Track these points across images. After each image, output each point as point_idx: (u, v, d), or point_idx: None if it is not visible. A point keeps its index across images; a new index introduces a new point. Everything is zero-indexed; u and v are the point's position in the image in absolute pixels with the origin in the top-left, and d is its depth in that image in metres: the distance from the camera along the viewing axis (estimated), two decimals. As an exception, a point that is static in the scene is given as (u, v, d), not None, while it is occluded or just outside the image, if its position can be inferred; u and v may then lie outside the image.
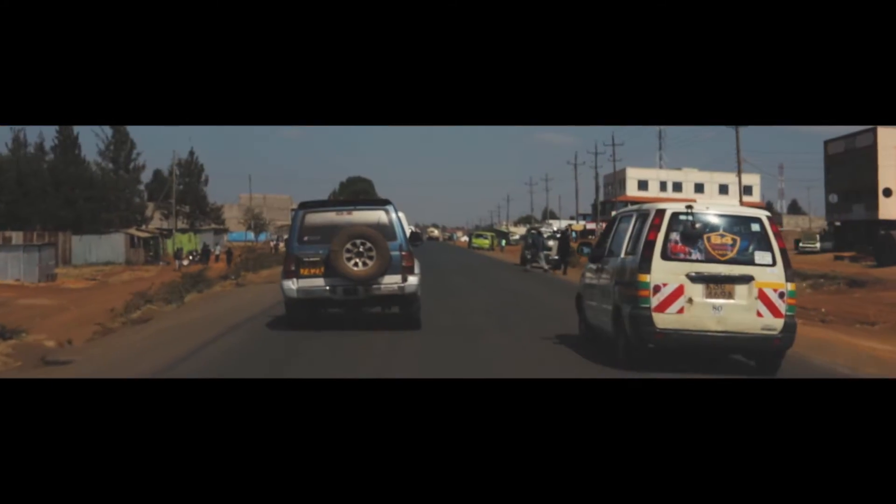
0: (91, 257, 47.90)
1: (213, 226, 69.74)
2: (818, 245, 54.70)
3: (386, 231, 11.10)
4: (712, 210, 8.67)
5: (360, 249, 10.90)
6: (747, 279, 8.30)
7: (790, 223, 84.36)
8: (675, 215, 8.45)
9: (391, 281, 11.01)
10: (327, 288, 11.00)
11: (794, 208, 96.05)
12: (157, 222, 66.13)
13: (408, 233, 12.00)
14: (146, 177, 69.65)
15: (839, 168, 56.87)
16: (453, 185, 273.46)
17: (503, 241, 73.68)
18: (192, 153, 71.79)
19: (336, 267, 10.83)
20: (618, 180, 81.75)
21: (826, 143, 60.02)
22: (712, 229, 8.46)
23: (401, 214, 11.94)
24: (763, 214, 8.69)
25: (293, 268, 11.08)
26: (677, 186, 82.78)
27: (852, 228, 54.41)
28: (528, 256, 34.27)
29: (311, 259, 11.01)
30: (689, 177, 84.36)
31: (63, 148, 59.40)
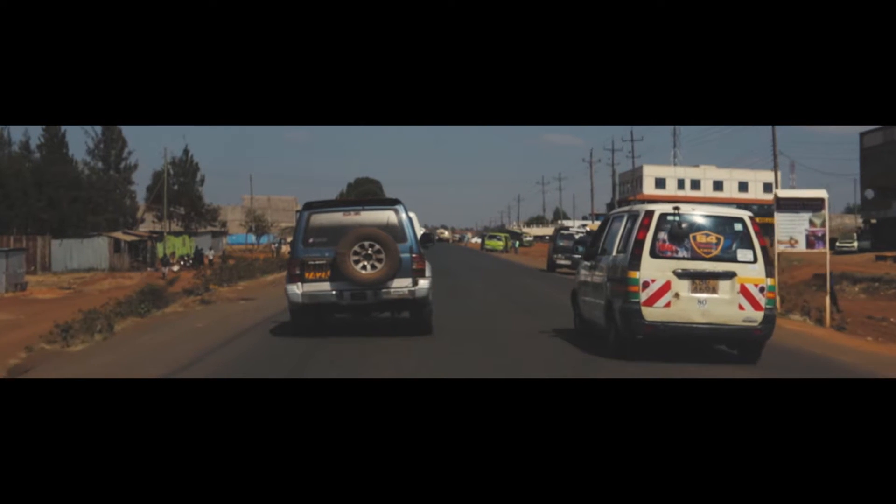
0: (72, 263, 47.22)
1: (210, 228, 70.04)
2: (856, 244, 54.93)
3: (395, 232, 11.23)
4: (698, 211, 9.95)
5: (369, 252, 11.05)
6: (730, 275, 9.59)
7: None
8: (662, 216, 9.75)
9: (401, 284, 11.20)
10: (334, 292, 11.18)
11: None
12: (150, 225, 66.46)
13: (418, 234, 12.16)
14: (142, 177, 69.57)
15: (876, 161, 56.62)
16: (462, 186, 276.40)
17: (517, 243, 74.70)
18: (186, 151, 71.91)
19: (343, 270, 11.01)
20: (635, 178, 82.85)
21: (862, 134, 59.59)
22: (698, 229, 9.76)
23: (412, 215, 12.17)
24: (745, 215, 9.96)
25: (298, 272, 11.24)
26: (695, 184, 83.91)
27: (891, 226, 54.33)
28: (559, 261, 32.33)
29: (317, 262, 11.19)
30: (707, 174, 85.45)
31: (49, 146, 59.88)
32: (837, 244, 55.51)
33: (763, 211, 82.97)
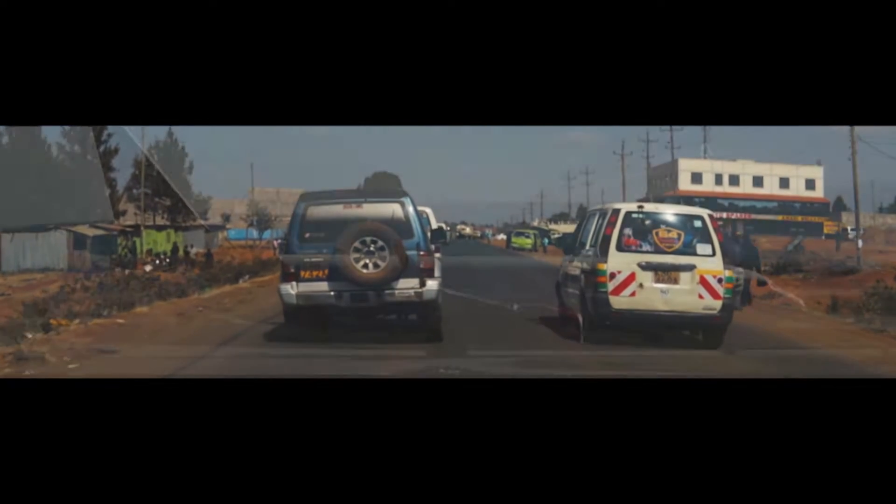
0: (25, 262, 44.40)
1: (201, 221, 69.38)
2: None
3: (401, 227, 11.44)
4: (661, 209, 12.24)
5: (371, 248, 11.22)
6: (690, 267, 11.96)
7: (847, 220, 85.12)
8: (628, 213, 12.19)
9: (407, 285, 11.40)
10: (332, 293, 11.37)
11: (839, 205, 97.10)
12: (132, 218, 65.58)
13: (434, 229, 12.72)
14: (123, 164, 65.96)
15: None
16: (482, 182, 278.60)
17: (546, 240, 75.90)
18: (170, 134, 69.22)
19: (342, 269, 11.21)
20: (672, 172, 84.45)
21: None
22: (660, 225, 11.99)
23: (428, 210, 12.89)
24: (705, 213, 12.30)
25: (293, 270, 11.44)
26: (734, 180, 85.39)
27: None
28: None
29: (314, 259, 11.38)
30: (746, 169, 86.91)
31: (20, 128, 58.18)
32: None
33: (806, 209, 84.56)
